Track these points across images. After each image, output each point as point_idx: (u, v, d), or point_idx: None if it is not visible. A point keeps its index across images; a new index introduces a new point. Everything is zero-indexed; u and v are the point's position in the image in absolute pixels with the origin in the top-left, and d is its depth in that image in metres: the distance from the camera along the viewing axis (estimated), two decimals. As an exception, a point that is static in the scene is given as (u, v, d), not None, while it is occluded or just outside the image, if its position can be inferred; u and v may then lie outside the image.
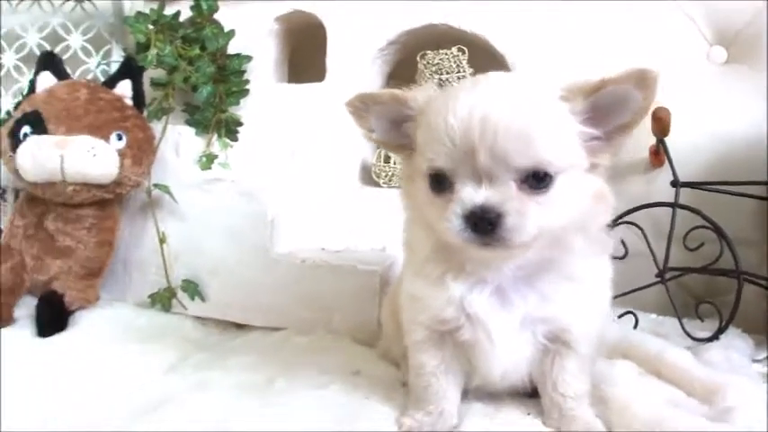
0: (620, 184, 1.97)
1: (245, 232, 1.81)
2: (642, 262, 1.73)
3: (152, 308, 1.87)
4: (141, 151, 1.87)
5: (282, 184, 1.85)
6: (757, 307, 1.75)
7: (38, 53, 2.16)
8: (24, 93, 2.07)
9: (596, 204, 1.08)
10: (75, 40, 2.36)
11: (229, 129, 1.90)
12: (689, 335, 1.60)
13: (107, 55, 2.32)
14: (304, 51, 2.02)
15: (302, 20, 1.94)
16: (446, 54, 1.77)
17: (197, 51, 1.88)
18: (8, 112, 2.16)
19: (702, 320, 1.69)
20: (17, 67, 2.39)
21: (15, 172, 1.83)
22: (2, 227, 2.02)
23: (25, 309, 1.79)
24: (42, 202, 1.88)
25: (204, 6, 1.88)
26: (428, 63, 1.79)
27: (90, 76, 2.26)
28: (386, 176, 1.83)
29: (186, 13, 1.91)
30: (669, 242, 1.70)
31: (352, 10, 1.86)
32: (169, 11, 1.90)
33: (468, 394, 1.26)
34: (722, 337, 1.58)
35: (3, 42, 2.43)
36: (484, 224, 0.98)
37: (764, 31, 1.95)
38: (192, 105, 1.93)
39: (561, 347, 1.15)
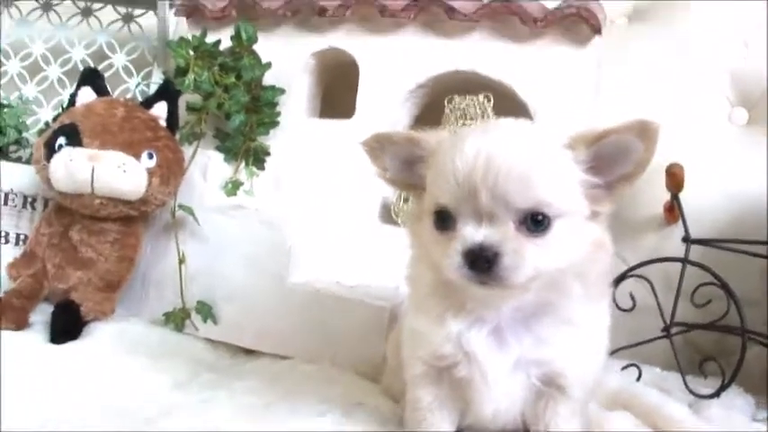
0: (634, 238, 2.01)
1: (262, 259, 1.84)
2: (650, 316, 1.75)
3: (165, 326, 1.89)
4: (170, 172, 1.91)
5: (304, 215, 1.88)
6: (761, 367, 1.76)
7: (81, 68, 2.22)
8: (64, 106, 2.12)
9: (595, 251, 1.10)
10: (119, 60, 2.44)
11: (257, 158, 1.94)
12: (691, 391, 1.61)
13: (147, 76, 2.39)
14: (337, 88, 2.05)
15: (337, 57, 1.97)
16: (472, 100, 1.80)
17: (233, 80, 1.91)
18: (47, 123, 2.23)
19: (706, 377, 1.71)
20: (60, 81, 2.47)
21: (47, 181, 1.87)
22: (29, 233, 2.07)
23: (41, 315, 1.82)
24: (69, 212, 1.92)
25: (244, 37, 1.91)
26: (454, 108, 1.82)
27: (129, 95, 2.33)
28: (405, 216, 1.85)
29: (227, 42, 1.95)
30: (677, 297, 1.72)
31: (386, 52, 1.90)
32: (210, 38, 1.94)
33: (462, 432, 1.27)
34: (723, 395, 1.59)
35: (49, 55, 2.51)
36: (481, 262, 1.01)
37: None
38: (224, 132, 1.96)
39: (555, 391, 1.16)
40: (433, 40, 1.87)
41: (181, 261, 1.89)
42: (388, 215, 1.90)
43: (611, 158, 1.07)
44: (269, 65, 1.95)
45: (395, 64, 1.89)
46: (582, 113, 1.74)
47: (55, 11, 2.58)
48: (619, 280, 1.78)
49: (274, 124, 1.94)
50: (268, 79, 1.96)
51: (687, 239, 1.78)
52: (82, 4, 2.55)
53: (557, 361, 1.14)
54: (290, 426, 1.29)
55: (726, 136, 2.09)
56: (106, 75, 2.22)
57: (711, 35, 2.15)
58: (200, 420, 1.30)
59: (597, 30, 1.73)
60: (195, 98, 1.96)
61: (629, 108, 1.99)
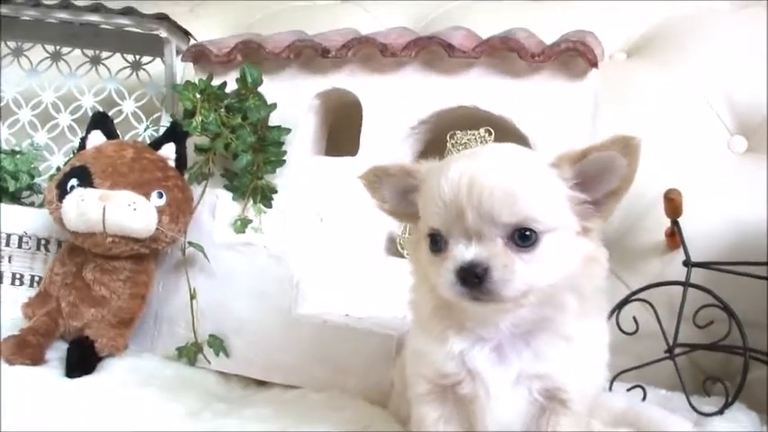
0: (637, 264, 2.05)
1: (270, 293, 1.88)
2: (654, 339, 1.78)
3: (178, 360, 1.93)
4: (179, 210, 1.95)
5: (311, 250, 1.92)
6: (763, 386, 1.78)
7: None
8: (75, 150, 2.17)
9: (588, 266, 1.14)
10: (128, 106, 2.49)
11: (265, 195, 1.97)
12: (695, 409, 1.63)
13: (156, 122, 2.44)
14: (341, 126, 2.09)
15: (341, 97, 2.01)
16: (474, 135, 1.84)
17: (239, 121, 1.95)
18: (58, 168, 2.28)
19: (710, 396, 1.74)
20: (71, 128, 2.52)
21: (59, 221, 1.91)
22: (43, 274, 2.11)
23: (57, 352, 1.85)
24: (82, 252, 1.96)
25: (249, 79, 1.95)
26: (456, 142, 1.86)
27: (139, 140, 2.37)
28: (406, 244, 1.89)
29: (232, 85, 1.99)
30: (679, 319, 1.75)
31: (388, 90, 1.93)
32: (216, 81, 1.99)
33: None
34: (728, 412, 1.61)
35: (59, 103, 2.57)
36: (471, 278, 1.05)
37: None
38: (231, 171, 2.00)
39: (556, 405, 1.19)
40: (434, 78, 1.91)
41: (192, 297, 1.92)
42: (393, 248, 1.93)
43: (596, 175, 1.12)
44: (274, 106, 1.98)
45: (397, 102, 1.93)
46: (580, 144, 1.77)
47: (64, 60, 2.63)
48: (622, 304, 1.81)
49: (281, 163, 1.97)
50: (274, 120, 1.99)
51: (688, 263, 1.81)
52: (91, 53, 2.61)
53: (556, 375, 1.17)
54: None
55: (725, 163, 2.13)
56: (116, 121, 2.26)
57: (709, 66, 2.20)
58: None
59: (594, 63, 1.77)
60: (203, 139, 2.00)
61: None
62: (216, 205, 2.01)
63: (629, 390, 1.78)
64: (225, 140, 1.95)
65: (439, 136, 1.93)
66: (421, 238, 1.17)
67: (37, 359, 1.78)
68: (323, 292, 1.90)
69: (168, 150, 2.04)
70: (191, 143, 2.06)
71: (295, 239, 1.93)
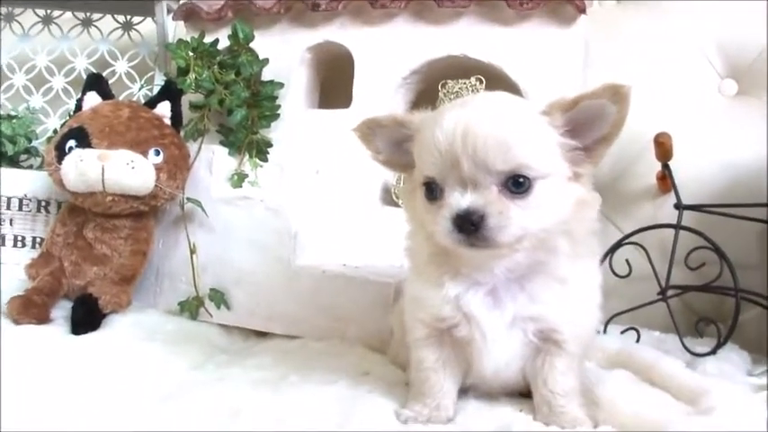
0: (630, 208, 2.07)
1: (269, 246, 1.91)
2: (647, 281, 1.81)
3: (180, 315, 1.95)
4: (176, 167, 1.97)
5: (307, 201, 1.95)
6: (758, 327, 1.82)
7: (85, 77, 2.27)
8: (72, 112, 2.18)
9: (580, 210, 1.17)
10: (121, 66, 2.52)
11: (260, 150, 1.99)
12: (688, 350, 1.66)
13: (150, 81, 2.46)
14: (333, 79, 2.11)
15: (332, 50, 2.02)
16: (465, 83, 1.85)
17: (233, 77, 1.96)
18: (55, 131, 2.30)
19: (702, 337, 1.77)
20: (65, 90, 2.54)
21: (59, 182, 1.93)
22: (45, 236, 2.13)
23: (62, 311, 1.87)
24: (82, 212, 1.99)
25: (241, 35, 1.96)
26: (448, 92, 1.87)
27: (134, 100, 2.38)
28: (400, 192, 1.90)
29: (224, 42, 2.00)
30: (671, 262, 1.78)
31: (379, 42, 1.95)
32: (208, 38, 2.00)
33: (467, 392, 1.32)
34: (720, 352, 1.65)
35: (53, 66, 2.58)
36: (468, 225, 1.08)
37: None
38: (226, 127, 2.01)
39: (551, 347, 1.22)
40: (424, 28, 1.92)
41: (192, 251, 1.95)
42: (388, 197, 1.96)
43: (586, 122, 1.14)
44: (266, 61, 2.00)
45: (388, 53, 1.94)
46: (571, 91, 1.78)
47: (56, 23, 2.65)
48: (615, 248, 1.84)
49: (275, 117, 1.99)
50: (267, 74, 2.01)
51: (679, 206, 1.83)
52: (82, 15, 2.62)
53: (550, 317, 1.20)
54: (302, 393, 1.35)
55: (716, 107, 2.15)
56: (110, 81, 2.25)
57: (699, 10, 2.21)
58: (216, 393, 1.36)
59: (582, 9, 1.78)
60: (197, 96, 2.02)
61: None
62: (212, 161, 2.03)
63: (622, 332, 1.82)
64: (219, 97, 1.97)
65: (431, 86, 1.94)
66: (416, 186, 1.19)
67: (42, 318, 1.81)
68: (320, 243, 1.93)
69: (163, 108, 2.06)
70: (185, 100, 2.07)
71: (291, 192, 1.96)
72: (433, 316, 1.24)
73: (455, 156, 1.08)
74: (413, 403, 1.27)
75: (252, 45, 2.00)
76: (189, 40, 2.00)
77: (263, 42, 2.02)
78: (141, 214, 2.00)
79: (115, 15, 2.58)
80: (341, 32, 2.00)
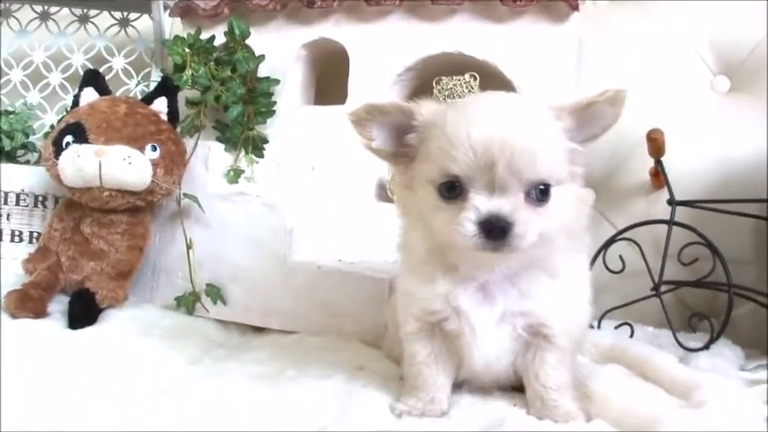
0: (623, 204, 2.09)
1: (265, 241, 1.92)
2: (640, 277, 1.83)
3: (177, 310, 1.97)
4: (173, 163, 1.98)
5: (303, 197, 1.96)
6: (751, 323, 1.83)
7: (82, 73, 2.26)
8: (69, 107, 2.19)
9: (577, 208, 1.19)
10: (118, 62, 2.51)
11: (256, 146, 2.00)
12: (681, 345, 1.68)
13: (146, 77, 2.46)
14: (329, 76, 2.12)
15: (327, 47, 2.03)
16: (459, 80, 1.86)
17: (229, 73, 1.97)
18: (52, 127, 2.31)
19: (695, 332, 1.78)
20: (62, 86, 2.54)
21: (56, 178, 1.94)
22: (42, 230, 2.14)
23: (59, 305, 1.88)
24: (79, 207, 2.00)
25: (237, 32, 1.97)
26: (442, 88, 1.88)
27: (130, 95, 2.39)
28: (393, 185, 1.91)
29: (220, 38, 2.01)
30: (664, 257, 1.79)
31: (374, 38, 1.96)
32: (204, 35, 2.01)
33: (461, 387, 1.34)
34: (713, 347, 1.66)
35: (50, 62, 2.58)
36: (497, 231, 1.08)
37: (765, 60, 2.05)
38: (223, 123, 2.02)
39: (542, 341, 1.24)
40: (419, 25, 1.93)
41: (188, 247, 1.96)
42: (383, 193, 1.97)
43: (585, 124, 1.18)
44: (262, 57, 2.01)
45: (383, 50, 1.95)
46: (564, 87, 1.80)
47: (53, 19, 2.64)
48: (609, 243, 1.86)
49: (271, 113, 2.00)
50: (262, 71, 2.02)
51: (672, 202, 1.85)
52: (79, 12, 2.62)
53: (539, 311, 1.22)
54: (299, 387, 1.37)
55: (708, 103, 2.16)
56: (106, 77, 2.27)
57: (692, 7, 2.22)
58: (213, 388, 1.37)
59: (575, 7, 1.79)
60: (194, 93, 2.03)
61: (611, 81, 2.06)
62: (209, 157, 2.04)
63: (616, 327, 1.83)
64: (215, 93, 1.98)
65: (425, 82, 1.95)
66: (418, 181, 1.18)
67: (39, 312, 1.82)
68: (316, 239, 1.94)
69: (160, 104, 2.07)
70: (182, 97, 2.08)
71: (287, 188, 1.97)
72: (423, 310, 1.25)
73: (491, 159, 1.08)
74: (407, 397, 1.29)
75: (248, 42, 2.00)
76: (185, 36, 2.01)
77: (259, 39, 2.03)
78: (138, 210, 2.01)
79: (112, 12, 2.58)
80: (336, 29, 2.01)
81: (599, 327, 1.82)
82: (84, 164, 1.87)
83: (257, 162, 2.00)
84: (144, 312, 1.93)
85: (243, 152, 2.00)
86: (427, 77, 1.93)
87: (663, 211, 1.88)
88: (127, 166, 1.89)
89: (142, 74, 2.49)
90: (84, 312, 1.81)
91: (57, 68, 2.58)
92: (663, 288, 1.80)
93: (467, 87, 1.86)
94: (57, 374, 1.44)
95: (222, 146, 2.03)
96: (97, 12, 2.61)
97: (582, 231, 1.25)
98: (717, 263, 1.70)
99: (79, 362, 1.53)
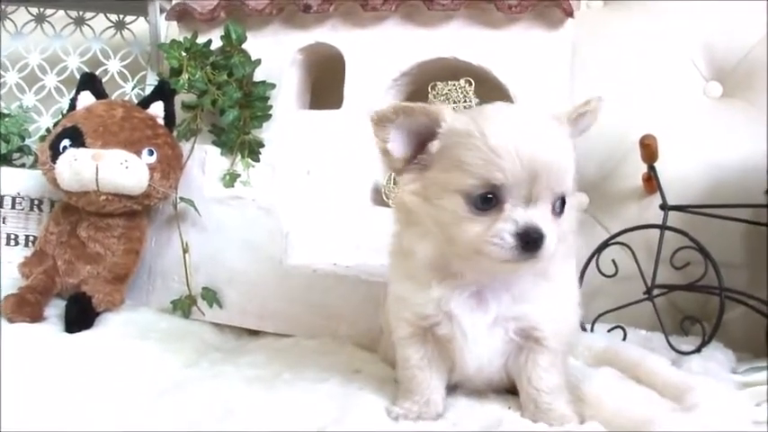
0: (616, 209, 2.10)
1: (261, 245, 1.93)
2: (633, 281, 1.84)
3: (173, 313, 1.97)
4: (170, 167, 1.99)
5: (298, 201, 1.97)
6: (743, 327, 1.85)
7: (78, 76, 2.29)
8: (65, 111, 2.20)
9: (573, 214, 1.22)
10: (114, 65, 2.52)
11: (252, 150, 2.00)
12: (673, 348, 1.69)
13: (142, 80, 2.47)
14: (325, 80, 2.12)
15: (324, 51, 2.04)
16: (454, 85, 1.87)
17: (225, 77, 1.98)
18: (48, 130, 2.31)
19: (687, 335, 1.80)
20: (58, 89, 2.55)
21: (53, 181, 1.95)
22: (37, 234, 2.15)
23: (55, 309, 1.89)
24: (76, 211, 2.01)
25: (233, 36, 1.98)
26: (437, 93, 1.89)
27: (126, 99, 2.40)
28: (395, 197, 1.92)
29: (217, 42, 2.02)
30: (657, 261, 1.80)
31: (369, 43, 1.97)
32: (201, 39, 2.02)
33: (456, 390, 1.35)
34: (704, 350, 1.67)
35: (45, 65, 2.59)
36: (533, 243, 1.10)
37: (759, 67, 2.08)
38: (219, 127, 2.03)
39: (533, 344, 1.25)
40: (414, 31, 1.94)
41: (185, 251, 1.97)
42: (378, 197, 1.98)
43: (574, 131, 1.22)
44: (259, 61, 2.02)
45: (379, 55, 1.96)
46: (558, 93, 1.81)
47: (49, 22, 2.65)
48: (602, 248, 1.87)
49: (267, 117, 2.01)
50: (258, 75, 2.03)
51: (664, 206, 1.86)
52: (74, 14, 2.62)
53: (532, 315, 1.24)
54: (295, 391, 1.38)
55: (701, 109, 2.17)
56: (102, 80, 2.26)
57: (684, 13, 2.23)
58: (209, 390, 1.38)
59: (570, 13, 1.80)
60: (190, 97, 2.04)
61: (604, 86, 2.09)
62: (205, 161, 2.05)
63: (609, 330, 1.84)
64: (212, 97, 1.99)
65: (421, 87, 1.97)
66: (447, 191, 1.15)
67: (36, 316, 1.83)
68: (312, 243, 1.96)
69: (157, 108, 2.08)
70: (178, 100, 2.09)
71: (283, 192, 1.98)
72: (416, 314, 1.26)
73: (534, 171, 1.09)
74: (402, 401, 1.30)
75: (244, 46, 2.01)
76: (182, 40, 2.01)
77: (256, 43, 2.04)
78: (134, 213, 2.02)
79: (108, 14, 2.59)
80: (332, 34, 2.01)
81: (592, 330, 1.83)
82: (81, 168, 1.88)
83: (253, 166, 2.01)
84: (140, 316, 1.94)
85: (239, 156, 2.01)
86: (423, 82, 1.94)
87: (655, 216, 1.88)
88: (124, 170, 1.90)
89: (138, 77, 2.50)
90: (80, 316, 1.82)
91: (52, 71, 2.59)
92: (655, 292, 1.81)
93: (462, 93, 1.87)
94: (54, 378, 1.44)
95: (218, 150, 2.04)
96: (93, 14, 2.61)
97: (572, 235, 1.26)
98: (709, 267, 1.71)
99: (76, 365, 1.53)
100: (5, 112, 2.42)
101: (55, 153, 1.95)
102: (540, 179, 1.10)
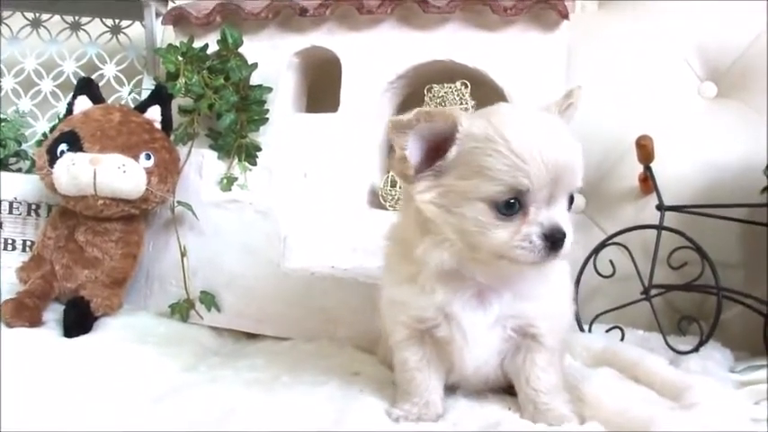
0: (613, 210, 2.10)
1: (259, 248, 1.93)
2: (630, 281, 1.85)
3: (171, 317, 1.97)
4: (167, 171, 1.99)
5: (296, 205, 1.97)
6: (740, 326, 1.85)
7: (74, 81, 2.30)
8: (62, 115, 2.20)
9: None
10: (110, 70, 2.52)
11: (249, 153, 2.01)
12: (671, 348, 1.69)
13: (138, 84, 2.47)
14: (321, 83, 2.13)
15: (320, 55, 2.04)
16: (450, 88, 1.88)
17: (222, 81, 1.98)
18: (44, 134, 2.32)
19: (685, 335, 1.80)
20: (54, 94, 2.55)
21: (51, 186, 1.95)
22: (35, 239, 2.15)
23: (54, 314, 1.89)
24: (73, 215, 2.01)
25: (230, 40, 1.98)
26: (433, 96, 1.90)
27: (122, 103, 2.39)
28: (392, 200, 1.93)
29: (213, 46, 2.02)
30: (654, 262, 1.81)
31: (366, 47, 1.97)
32: (197, 43, 2.02)
33: (455, 391, 1.36)
34: (702, 350, 1.67)
35: (41, 69, 2.59)
36: (558, 242, 1.12)
37: (754, 67, 2.09)
38: (216, 131, 2.03)
39: (531, 342, 1.26)
40: (410, 33, 1.94)
41: (182, 254, 1.97)
42: (375, 200, 1.98)
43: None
44: (255, 65, 2.02)
45: (375, 58, 1.96)
46: (554, 94, 1.81)
47: (44, 26, 2.64)
48: (599, 248, 1.88)
49: (264, 121, 2.01)
50: (255, 79, 2.03)
51: (661, 207, 1.87)
52: (70, 19, 2.62)
53: (530, 312, 1.25)
54: (294, 394, 1.38)
55: (696, 109, 2.18)
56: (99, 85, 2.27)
57: (679, 14, 2.23)
58: (209, 394, 1.38)
59: (565, 15, 1.81)
60: (187, 101, 2.04)
61: (601, 88, 2.10)
62: (202, 164, 2.05)
63: (607, 331, 1.84)
64: (208, 101, 1.99)
65: (417, 90, 1.98)
66: (469, 200, 1.13)
67: (35, 321, 1.83)
68: (309, 246, 1.96)
69: (154, 113, 2.08)
70: (175, 105, 2.09)
71: (280, 195, 1.98)
72: (414, 318, 1.27)
73: (557, 173, 1.11)
74: (401, 402, 1.31)
75: (240, 50, 2.02)
76: (179, 44, 2.02)
77: (252, 47, 2.04)
78: (132, 217, 2.02)
79: (104, 19, 2.58)
80: (328, 37, 2.02)
81: (590, 330, 1.84)
82: (78, 172, 1.89)
83: (250, 169, 2.01)
84: (138, 320, 1.94)
85: (236, 160, 2.02)
86: (419, 85, 1.95)
87: (652, 217, 1.89)
88: (121, 175, 1.90)
89: (134, 81, 2.49)
90: (78, 320, 1.82)
91: (48, 76, 2.58)
92: (653, 292, 1.82)
93: (458, 95, 1.88)
94: (53, 383, 1.44)
95: (215, 153, 2.04)
96: (89, 19, 2.61)
97: None
98: (705, 266, 1.73)
99: (75, 370, 1.54)
100: (2, 116, 2.42)
101: (52, 157, 1.95)
102: (561, 180, 1.11)
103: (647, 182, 1.94)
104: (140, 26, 2.43)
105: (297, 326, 1.87)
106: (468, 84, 1.88)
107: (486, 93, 1.85)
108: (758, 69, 2.09)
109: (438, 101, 1.89)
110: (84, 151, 1.93)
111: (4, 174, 2.27)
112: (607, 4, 2.38)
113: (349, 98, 1.99)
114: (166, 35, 2.36)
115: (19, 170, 2.39)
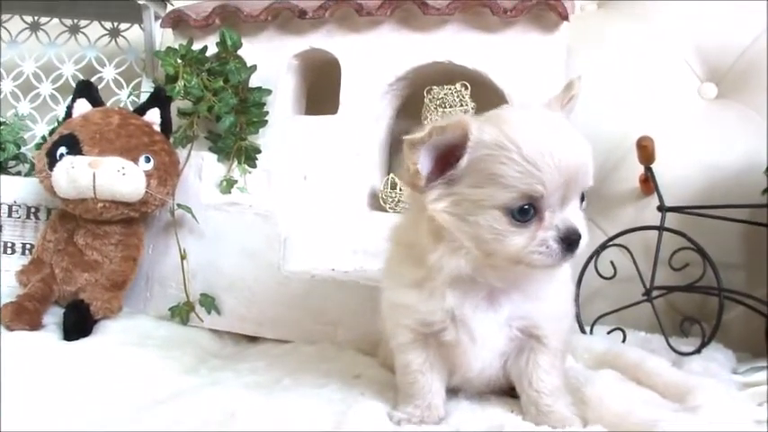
0: (614, 211, 2.10)
1: (259, 251, 1.93)
2: (632, 282, 1.85)
3: (171, 320, 1.97)
4: (167, 174, 1.99)
5: (296, 207, 1.97)
6: (742, 327, 1.85)
7: (73, 84, 2.29)
8: (61, 118, 2.20)
9: None
10: (109, 73, 2.52)
11: (249, 156, 2.01)
12: (673, 349, 1.69)
13: (137, 87, 2.46)
14: (320, 86, 2.13)
15: (319, 57, 2.04)
16: (450, 89, 1.88)
17: (221, 84, 1.98)
18: (43, 137, 2.31)
19: (687, 336, 1.80)
20: (53, 97, 2.54)
21: (50, 189, 1.95)
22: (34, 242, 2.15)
23: (54, 317, 1.89)
24: (73, 218, 2.01)
25: (229, 43, 1.98)
26: (433, 97, 1.90)
27: (121, 106, 2.39)
28: (392, 202, 1.93)
29: (212, 49, 2.02)
30: (655, 263, 1.81)
31: (365, 49, 1.97)
32: (196, 46, 2.02)
33: (458, 394, 1.36)
34: (704, 351, 1.67)
35: (40, 73, 2.59)
36: (575, 243, 1.12)
37: (754, 68, 2.09)
38: (215, 134, 2.03)
39: (534, 343, 1.26)
40: (410, 35, 1.94)
41: (182, 257, 1.97)
42: (375, 202, 1.98)
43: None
44: (254, 67, 2.02)
45: (374, 60, 1.96)
46: (554, 95, 1.82)
47: (43, 30, 2.65)
48: (600, 250, 1.87)
49: (263, 123, 2.01)
50: (254, 81, 2.03)
51: (662, 208, 1.87)
52: (69, 22, 2.63)
53: (534, 313, 1.24)
54: (296, 396, 1.37)
55: (696, 110, 2.18)
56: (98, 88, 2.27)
57: (679, 15, 2.23)
58: (210, 397, 1.37)
59: (564, 16, 1.80)
60: (186, 103, 2.04)
61: (601, 89, 2.10)
62: (202, 167, 2.05)
63: (609, 332, 1.84)
64: (208, 103, 1.99)
65: (416, 92, 1.98)
66: (483, 208, 1.12)
67: (35, 324, 1.82)
68: (309, 248, 1.96)
69: (153, 115, 2.08)
70: (174, 107, 2.09)
71: (280, 198, 1.98)
72: (419, 321, 1.26)
73: (570, 176, 1.10)
74: (403, 405, 1.30)
75: (239, 52, 2.01)
76: (178, 47, 2.01)
77: (251, 49, 2.04)
78: (132, 220, 2.02)
79: (102, 22, 2.58)
80: (327, 40, 2.02)
81: (591, 332, 1.84)
82: (78, 175, 1.88)
83: (250, 172, 2.01)
84: (138, 323, 1.94)
85: (236, 162, 2.02)
86: (418, 87, 1.95)
87: (653, 218, 1.89)
88: (121, 178, 1.90)
89: (133, 84, 2.49)
90: (79, 324, 1.82)
91: (47, 79, 2.58)
92: (654, 293, 1.82)
93: (458, 96, 1.88)
94: (53, 386, 1.44)
95: (215, 156, 2.04)
96: (87, 22, 2.61)
97: None
98: (707, 267, 1.73)
99: (75, 373, 1.53)
100: (1, 120, 2.42)
101: (52, 161, 1.94)
102: (574, 182, 1.11)
103: (648, 183, 1.94)
104: (139, 29, 2.43)
105: (297, 328, 1.86)
106: (468, 85, 1.89)
107: (486, 94, 1.85)
108: (758, 70, 2.09)
109: (438, 102, 1.89)
110: (83, 154, 1.92)
111: (4, 177, 2.26)
112: (607, 4, 2.38)
113: (349, 100, 1.99)
114: (165, 38, 2.37)
115: (18, 173, 2.38)
